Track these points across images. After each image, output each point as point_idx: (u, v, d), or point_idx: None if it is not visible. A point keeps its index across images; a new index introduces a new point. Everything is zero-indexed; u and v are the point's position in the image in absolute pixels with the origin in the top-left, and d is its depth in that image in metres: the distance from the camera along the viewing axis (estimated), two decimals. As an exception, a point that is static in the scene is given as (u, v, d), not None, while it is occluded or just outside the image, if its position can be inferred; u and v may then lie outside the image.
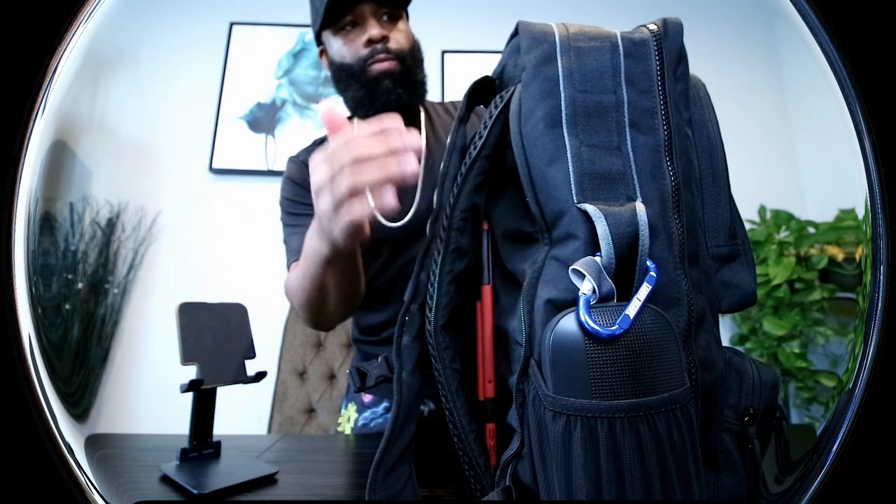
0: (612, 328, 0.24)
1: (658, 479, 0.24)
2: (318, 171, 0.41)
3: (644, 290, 0.26)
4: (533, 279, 0.30)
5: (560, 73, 0.30)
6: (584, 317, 0.25)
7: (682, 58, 0.33)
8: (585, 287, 0.26)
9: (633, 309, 0.25)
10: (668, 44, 0.32)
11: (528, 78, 0.31)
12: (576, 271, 0.26)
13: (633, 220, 0.27)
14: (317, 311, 0.64)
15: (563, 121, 0.29)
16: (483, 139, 0.32)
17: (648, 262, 0.27)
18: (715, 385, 0.30)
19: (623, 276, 0.27)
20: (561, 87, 0.30)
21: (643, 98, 0.30)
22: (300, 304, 0.64)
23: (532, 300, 0.30)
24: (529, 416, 0.28)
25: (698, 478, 0.26)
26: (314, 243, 0.52)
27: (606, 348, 0.25)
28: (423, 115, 0.82)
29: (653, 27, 0.32)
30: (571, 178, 0.28)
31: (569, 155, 0.29)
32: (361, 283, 0.64)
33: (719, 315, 0.33)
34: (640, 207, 0.27)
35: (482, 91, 0.36)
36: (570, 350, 0.25)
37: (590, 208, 0.27)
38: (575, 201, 0.28)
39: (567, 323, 0.25)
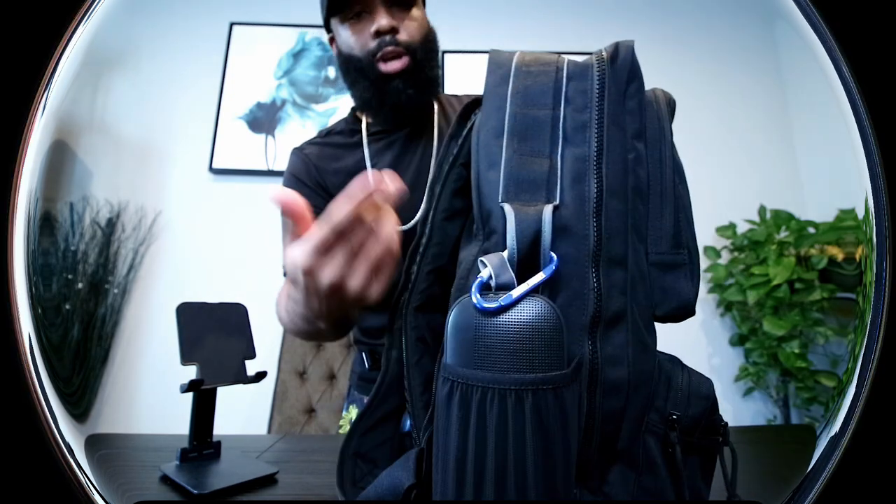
0: (493, 305, 0.28)
1: (514, 449, 0.27)
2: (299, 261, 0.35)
3: (536, 278, 0.29)
4: (465, 271, 0.34)
5: (509, 93, 0.35)
6: (474, 296, 0.28)
7: (634, 76, 0.36)
8: (484, 273, 0.29)
9: (518, 291, 0.28)
10: (617, 65, 0.35)
11: (487, 96, 0.36)
12: (482, 261, 0.30)
13: (538, 219, 0.30)
14: (307, 339, 0.62)
15: (505, 132, 0.34)
16: (457, 148, 0.37)
17: (553, 256, 0.30)
18: (628, 383, 0.32)
19: (534, 271, 0.30)
20: (507, 104, 0.34)
21: (578, 114, 0.34)
22: (291, 331, 0.60)
23: (462, 289, 0.32)
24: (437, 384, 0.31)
25: (567, 461, 0.28)
26: (295, 299, 0.46)
27: (492, 326, 0.28)
28: (436, 108, 0.78)
29: (603, 53, 0.36)
30: (500, 181, 0.33)
31: (503, 161, 0.33)
32: (354, 316, 0.61)
33: (656, 320, 0.35)
34: (546, 209, 0.31)
35: (473, 110, 0.40)
36: (464, 325, 0.29)
37: (506, 207, 0.31)
38: (500, 201, 0.32)
39: (466, 301, 0.29)
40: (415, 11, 0.70)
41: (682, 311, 0.35)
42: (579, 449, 0.31)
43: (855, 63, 0.42)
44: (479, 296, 0.29)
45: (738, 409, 1.56)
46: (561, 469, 0.28)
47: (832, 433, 0.40)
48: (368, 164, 0.74)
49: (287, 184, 0.76)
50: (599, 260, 0.31)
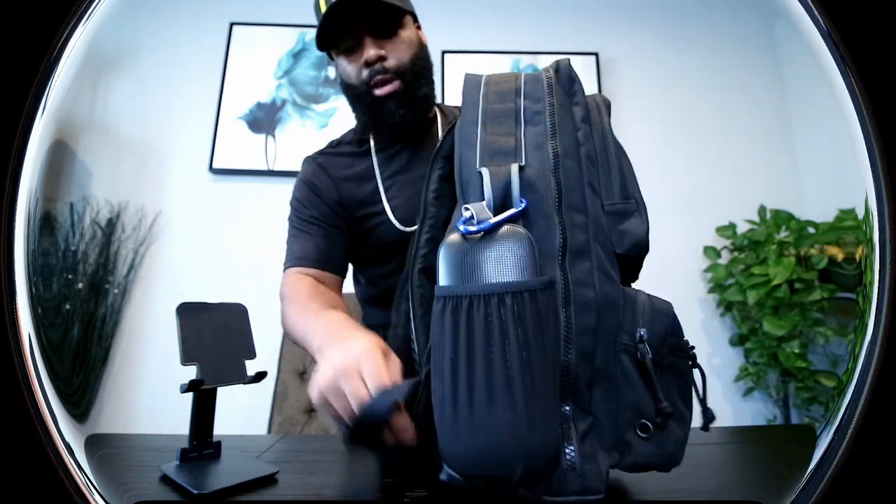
0: (475, 228, 0.35)
1: (499, 344, 0.33)
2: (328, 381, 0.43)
3: (509, 212, 0.37)
4: (451, 231, 0.39)
5: (480, 96, 0.47)
6: (460, 225, 0.36)
7: (573, 82, 0.47)
8: (466, 214, 0.37)
9: (494, 219, 0.36)
10: (560, 75, 0.47)
11: (464, 100, 0.48)
12: (465, 207, 0.37)
13: (508, 175, 0.40)
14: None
15: (479, 121, 0.44)
16: (440, 142, 0.48)
17: (522, 201, 0.38)
18: (596, 302, 0.39)
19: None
20: (479, 103, 0.46)
21: (534, 105, 0.45)
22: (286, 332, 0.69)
23: None
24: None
25: (545, 360, 0.34)
26: (311, 341, 0.57)
27: (476, 248, 0.35)
28: (439, 118, 0.82)
29: (549, 68, 0.48)
30: (477, 154, 0.42)
31: (478, 140, 0.43)
32: None
33: (617, 255, 0.42)
34: (514, 166, 0.40)
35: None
36: (452, 252, 0.36)
37: (483, 170, 0.40)
38: (477, 167, 0.41)
39: (453, 235, 0.36)
40: (402, 34, 0.74)
41: (637, 247, 0.42)
42: (562, 358, 0.37)
43: (856, 63, 0.42)
44: (463, 226, 0.36)
45: (738, 409, 1.56)
46: (540, 367, 0.33)
47: (832, 433, 0.40)
48: (377, 171, 0.78)
49: (297, 187, 0.80)
50: (561, 206, 0.40)
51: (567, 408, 0.37)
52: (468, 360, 0.33)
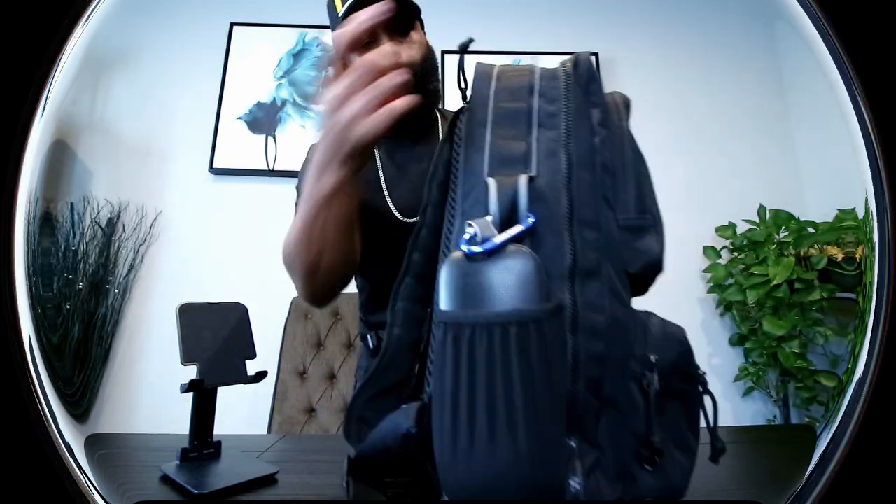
0: (479, 249, 0.32)
1: (502, 378, 0.31)
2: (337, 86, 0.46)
3: (515, 228, 0.34)
4: (446, 238, 0.39)
5: (491, 91, 0.43)
6: (463, 245, 0.33)
7: (593, 79, 0.42)
8: (470, 231, 0.34)
9: (500, 238, 0.33)
10: (579, 71, 0.42)
11: (473, 95, 0.43)
12: (468, 223, 0.34)
13: (515, 187, 0.36)
14: (313, 265, 0.62)
15: (488, 122, 0.41)
16: (440, 150, 0.44)
17: (530, 216, 0.35)
18: (606, 328, 0.36)
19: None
20: (490, 100, 0.42)
21: (549, 105, 0.41)
22: (296, 259, 0.63)
23: (446, 254, 0.38)
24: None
25: (551, 393, 0.32)
26: (312, 183, 0.54)
27: (479, 271, 0.32)
28: (440, 122, 0.86)
29: (567, 63, 0.43)
30: (485, 160, 0.39)
31: (486, 144, 0.39)
32: (357, 242, 0.64)
33: (631, 279, 0.39)
34: (522, 177, 0.36)
35: (463, 113, 0.47)
36: (454, 273, 0.33)
37: (489, 180, 0.37)
38: (484, 175, 0.38)
39: (455, 255, 0.33)
40: (413, 35, 0.78)
41: (651, 267, 0.39)
42: (569, 389, 0.34)
43: (856, 63, 0.42)
44: (467, 245, 0.33)
45: (738, 409, 1.56)
46: (544, 402, 0.31)
47: (832, 433, 0.40)
48: (379, 164, 0.81)
49: (304, 173, 0.82)
50: (573, 221, 0.36)
51: (573, 442, 0.35)
52: (469, 393, 0.31)
